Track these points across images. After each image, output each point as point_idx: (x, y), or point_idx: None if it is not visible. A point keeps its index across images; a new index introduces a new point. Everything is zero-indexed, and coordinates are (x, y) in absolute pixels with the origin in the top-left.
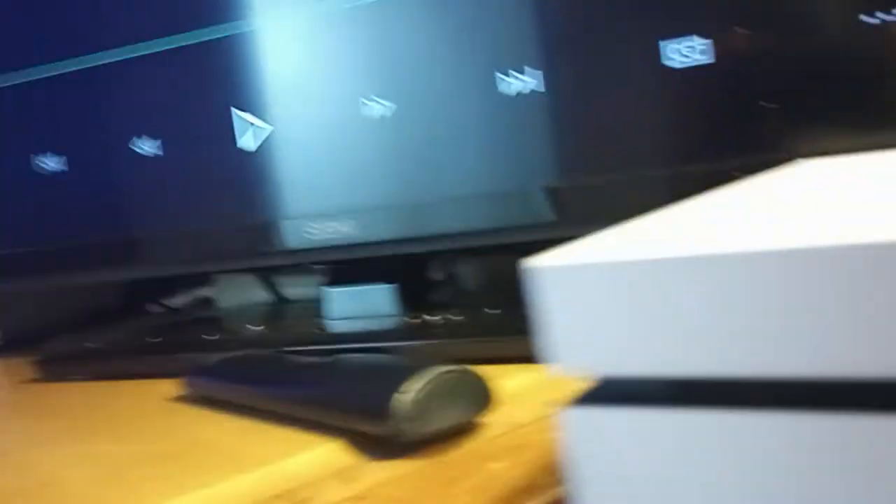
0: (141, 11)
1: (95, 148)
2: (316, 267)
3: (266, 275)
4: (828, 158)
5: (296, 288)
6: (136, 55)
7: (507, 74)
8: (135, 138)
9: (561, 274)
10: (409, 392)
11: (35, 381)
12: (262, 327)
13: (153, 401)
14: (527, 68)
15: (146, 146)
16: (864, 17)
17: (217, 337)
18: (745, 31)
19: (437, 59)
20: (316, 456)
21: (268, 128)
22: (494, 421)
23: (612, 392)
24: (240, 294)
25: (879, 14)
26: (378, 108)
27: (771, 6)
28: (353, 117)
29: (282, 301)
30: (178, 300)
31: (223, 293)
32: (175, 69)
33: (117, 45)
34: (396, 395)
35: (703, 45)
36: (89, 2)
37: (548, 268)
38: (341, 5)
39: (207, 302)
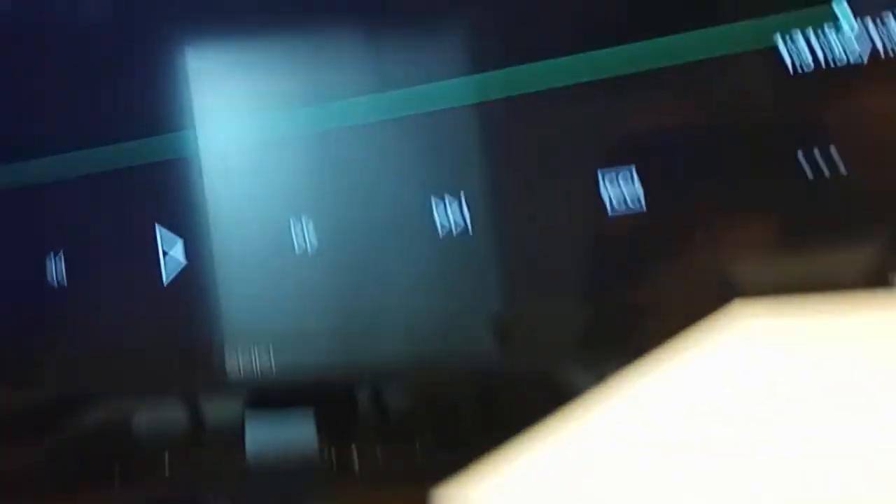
0: (60, 129)
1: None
2: (238, 392)
3: (187, 396)
4: (768, 305)
5: (217, 410)
6: (48, 175)
7: (441, 206)
8: (46, 258)
9: None
10: None
11: None
12: (174, 456)
13: None
14: (462, 200)
15: (57, 267)
16: (799, 153)
17: (125, 468)
18: (677, 167)
19: (369, 186)
20: None
21: (190, 252)
22: None
23: None
24: (157, 414)
25: (816, 149)
26: (307, 234)
27: (705, 142)
28: (281, 244)
29: (202, 424)
30: (90, 418)
31: (139, 412)
32: (93, 189)
33: (29, 158)
34: None
35: (637, 179)
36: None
37: None
38: (273, 134)
39: (121, 421)
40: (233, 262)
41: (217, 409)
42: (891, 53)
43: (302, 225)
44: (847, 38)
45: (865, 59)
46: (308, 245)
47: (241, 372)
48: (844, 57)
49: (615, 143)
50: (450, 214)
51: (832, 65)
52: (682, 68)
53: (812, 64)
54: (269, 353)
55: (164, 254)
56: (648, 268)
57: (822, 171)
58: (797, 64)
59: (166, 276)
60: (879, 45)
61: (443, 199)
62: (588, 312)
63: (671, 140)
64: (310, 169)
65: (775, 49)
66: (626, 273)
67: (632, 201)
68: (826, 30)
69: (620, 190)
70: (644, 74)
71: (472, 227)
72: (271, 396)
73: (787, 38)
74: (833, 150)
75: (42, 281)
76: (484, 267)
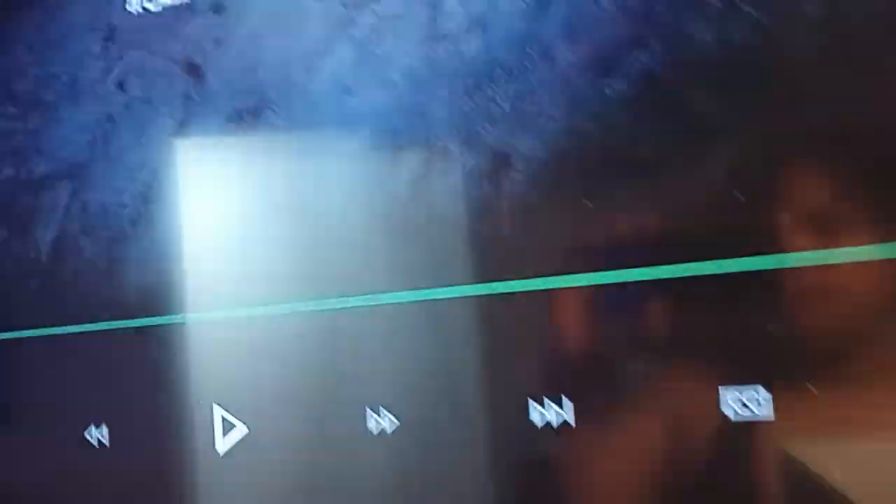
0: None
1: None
2: None
3: None
4: None
5: None
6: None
7: (537, 403)
8: (87, 426)
9: None
10: None
11: None
12: None
13: None
14: (559, 398)
15: (96, 435)
16: None
17: None
18: (811, 388)
19: (453, 373)
20: None
21: (245, 431)
22: None
23: None
24: None
25: None
26: (381, 421)
27: (839, 364)
28: (349, 428)
29: None
30: None
31: None
32: (139, 350)
33: (76, 321)
34: None
35: (766, 397)
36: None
37: None
38: (345, 304)
39: None
40: (299, 445)
41: None
42: None
43: (377, 409)
44: None
45: None
46: (383, 431)
47: None
48: None
49: (741, 357)
50: (548, 413)
51: None
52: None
53: None
54: None
55: (219, 429)
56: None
57: None
58: None
59: (224, 451)
60: None
61: (540, 398)
62: None
63: (802, 349)
64: (386, 346)
65: None
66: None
67: (757, 412)
68: None
69: (744, 405)
70: (766, 278)
71: (575, 425)
72: None
73: None
74: None
75: (83, 450)
76: (579, 471)
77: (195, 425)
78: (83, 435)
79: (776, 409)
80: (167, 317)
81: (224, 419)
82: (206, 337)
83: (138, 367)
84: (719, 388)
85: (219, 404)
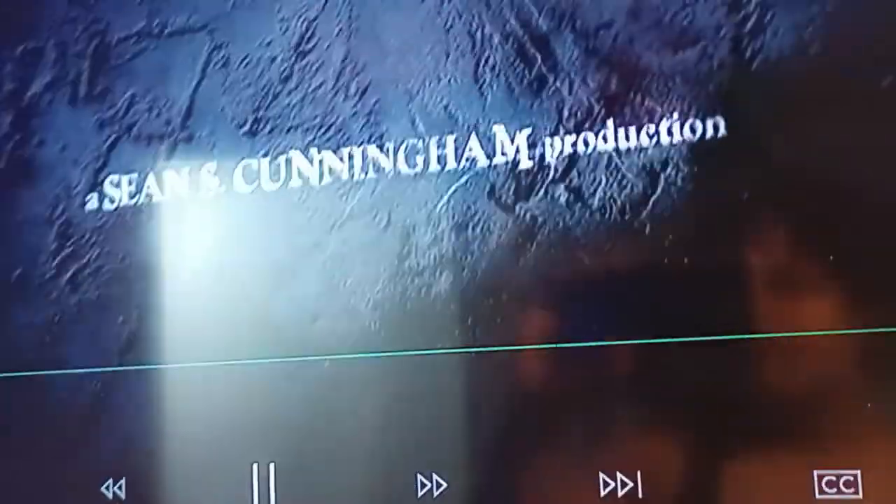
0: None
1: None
2: None
3: None
4: None
5: None
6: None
7: (607, 477)
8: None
9: None
10: None
11: None
12: None
13: None
14: (628, 472)
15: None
16: None
17: None
18: None
19: (500, 436)
20: None
21: (277, 484)
22: None
23: None
24: None
25: None
26: (430, 485)
27: None
28: (395, 492)
29: None
30: None
31: None
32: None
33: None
34: None
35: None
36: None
37: None
38: (390, 355)
39: None
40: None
41: None
42: None
43: (427, 473)
44: None
45: None
46: (431, 495)
47: None
48: None
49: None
50: (615, 483)
51: None
52: None
53: None
54: None
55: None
56: None
57: None
58: None
59: None
60: None
61: (612, 472)
62: None
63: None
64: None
65: None
66: None
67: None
68: None
69: (838, 488)
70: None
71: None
72: None
73: None
74: None
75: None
76: None
77: (226, 482)
78: (99, 489)
79: (864, 489)
80: (192, 363)
81: (259, 475)
82: (234, 386)
83: (160, 415)
84: (813, 470)
85: (253, 460)
